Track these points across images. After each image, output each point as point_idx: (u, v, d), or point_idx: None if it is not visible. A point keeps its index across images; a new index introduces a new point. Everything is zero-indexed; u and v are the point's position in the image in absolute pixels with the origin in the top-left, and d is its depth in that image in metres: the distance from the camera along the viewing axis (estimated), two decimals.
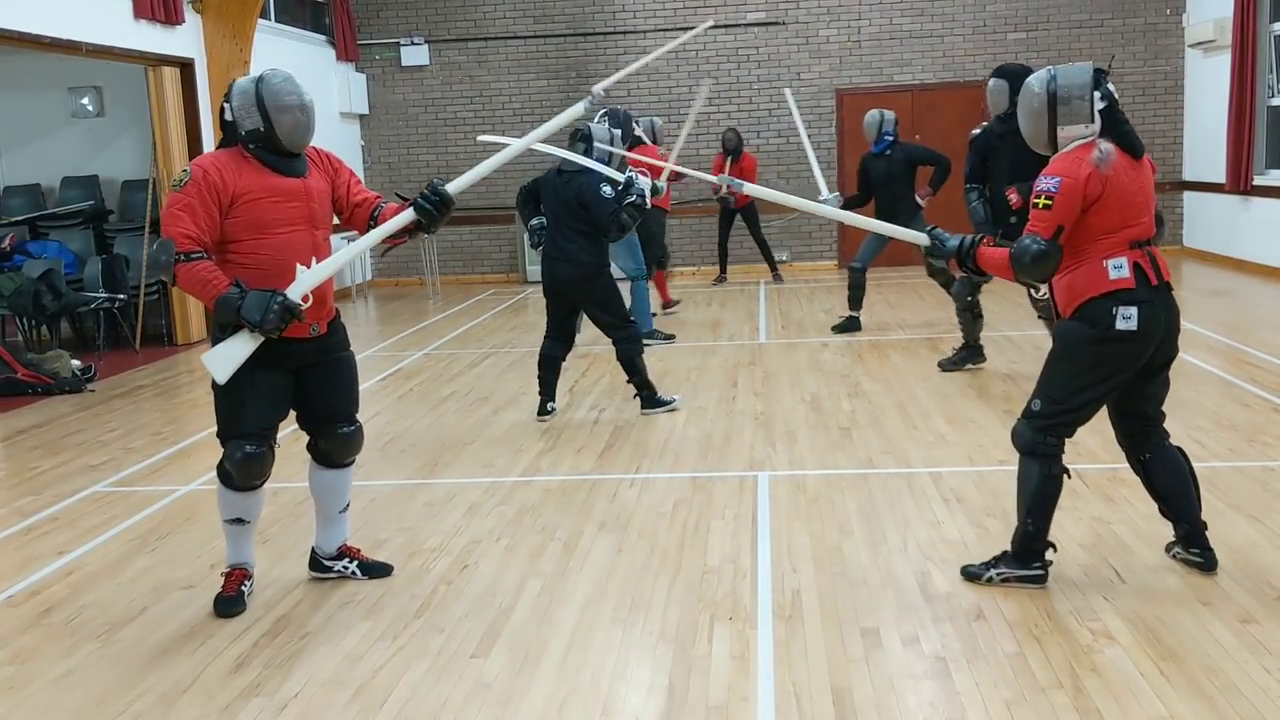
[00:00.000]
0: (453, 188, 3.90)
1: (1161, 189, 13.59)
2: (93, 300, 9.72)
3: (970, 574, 3.97)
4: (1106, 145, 3.67)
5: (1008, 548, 3.94)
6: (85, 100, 11.48)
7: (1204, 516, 4.44)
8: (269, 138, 3.81)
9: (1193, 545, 3.96)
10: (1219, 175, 12.22)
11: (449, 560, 4.43)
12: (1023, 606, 3.74)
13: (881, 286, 12.06)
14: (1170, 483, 3.93)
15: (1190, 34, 12.94)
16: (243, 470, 3.91)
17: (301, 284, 3.77)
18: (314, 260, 3.84)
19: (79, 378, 8.27)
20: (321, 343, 4.00)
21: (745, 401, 6.98)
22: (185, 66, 10.38)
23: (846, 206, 8.92)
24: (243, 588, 4.06)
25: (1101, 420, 6.00)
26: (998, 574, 3.90)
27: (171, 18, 9.94)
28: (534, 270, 13.90)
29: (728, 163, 12.07)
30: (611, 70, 13.87)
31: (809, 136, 8.49)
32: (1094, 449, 5.55)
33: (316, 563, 4.31)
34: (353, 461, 4.23)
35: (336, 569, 4.28)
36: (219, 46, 10.65)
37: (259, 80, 3.83)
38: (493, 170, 4.08)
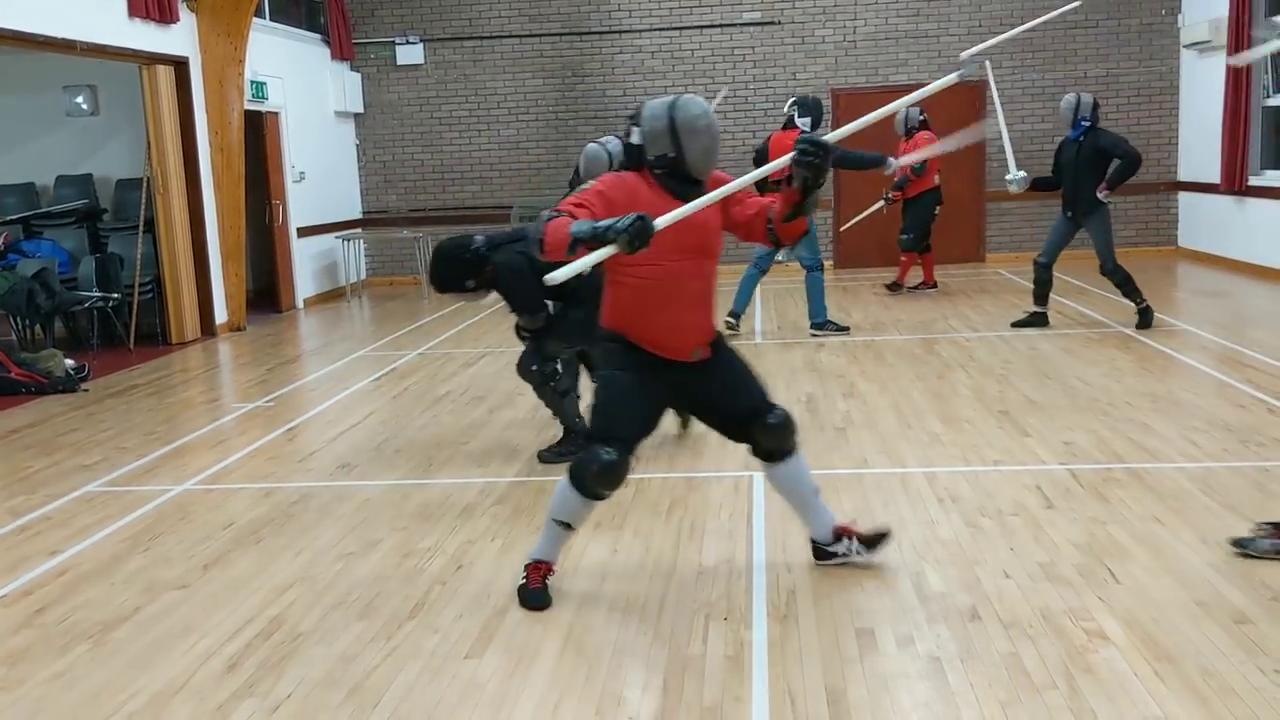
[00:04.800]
0: (831, 137, 3.72)
1: (1156, 189, 13.62)
2: (86, 299, 9.70)
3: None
4: None
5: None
6: (80, 99, 11.46)
7: (1198, 519, 4.46)
8: (677, 163, 3.74)
9: None
10: (1214, 176, 12.23)
11: (444, 560, 4.42)
12: (1017, 607, 3.74)
13: (877, 287, 12.06)
14: None
15: (1185, 34, 12.95)
16: (600, 476, 3.76)
17: (666, 217, 3.52)
18: (700, 290, 3.79)
19: (72, 377, 8.25)
20: (705, 362, 3.91)
21: None
22: (180, 65, 10.36)
23: (1038, 186, 8.90)
24: (546, 580, 3.99)
25: (1094, 420, 6.02)
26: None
27: (166, 16, 9.92)
28: None
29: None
30: (607, 71, 13.88)
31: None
32: (1089, 449, 5.56)
33: (819, 552, 4.16)
34: (794, 446, 4.02)
35: (840, 552, 4.13)
36: (213, 45, 10.63)
37: (673, 105, 3.75)
38: (881, 117, 3.95)
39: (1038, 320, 9.02)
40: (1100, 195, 8.59)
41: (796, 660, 3.44)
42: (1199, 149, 12.89)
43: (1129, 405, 6.38)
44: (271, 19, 12.32)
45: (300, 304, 12.67)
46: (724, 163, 12.68)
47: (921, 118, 10.91)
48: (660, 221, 3.48)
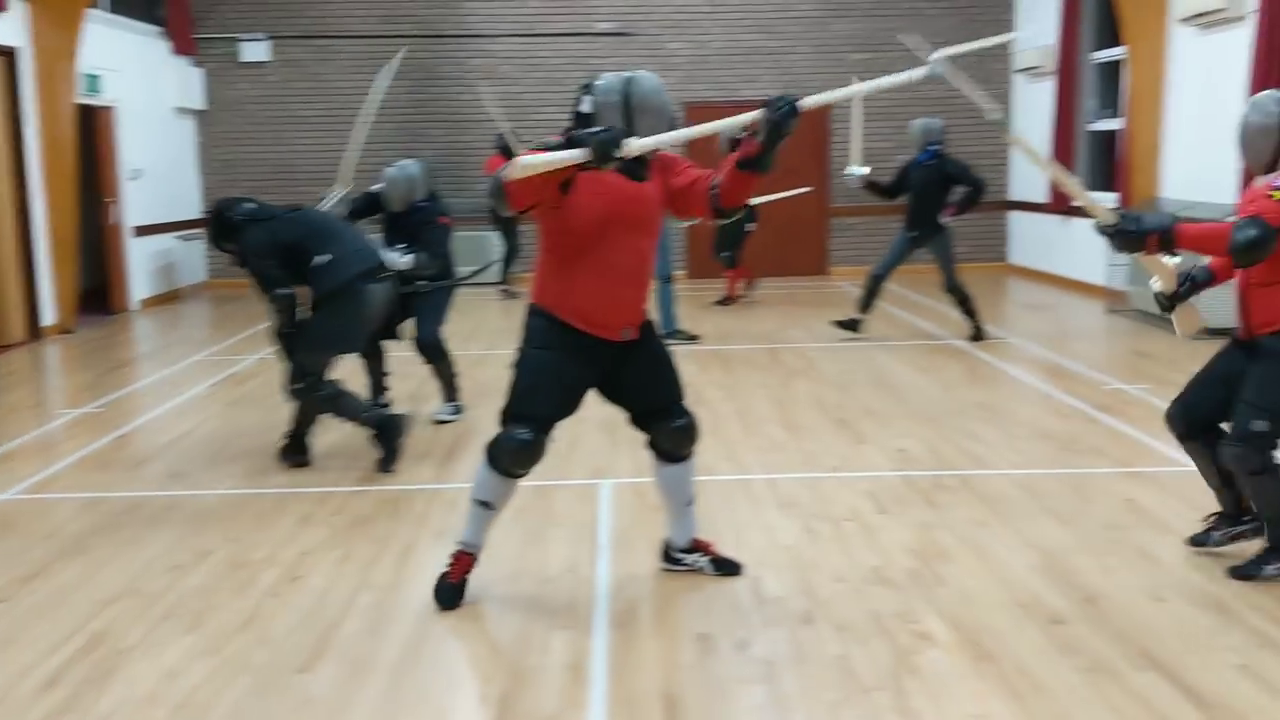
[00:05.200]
0: (806, 102, 3.66)
1: (988, 208, 14.21)
2: None
3: (1244, 573, 4.05)
4: None
5: (1267, 543, 4.06)
6: None
7: (1020, 523, 4.66)
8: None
9: None
10: (1042, 196, 12.84)
11: (278, 572, 4.31)
12: (849, 610, 3.85)
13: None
14: None
15: (1017, 60, 13.57)
16: (514, 456, 3.79)
17: (641, 143, 3.56)
18: (640, 266, 3.79)
19: None
20: (632, 344, 3.90)
21: (590, 409, 6.95)
22: (8, 55, 9.84)
23: (871, 189, 9.08)
24: (466, 578, 3.93)
25: (926, 428, 6.25)
26: (1274, 569, 4.02)
27: None
28: None
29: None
30: (459, 73, 13.76)
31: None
32: (920, 456, 5.77)
33: (669, 556, 4.23)
34: (692, 453, 4.09)
35: (688, 562, 4.20)
36: (46, 35, 10.12)
37: (629, 80, 3.75)
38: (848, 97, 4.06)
39: (854, 325, 9.36)
40: (944, 220, 8.98)
41: (636, 667, 3.47)
42: (1028, 170, 13.51)
43: (959, 414, 6.64)
44: (110, 10, 11.81)
45: (135, 305, 12.17)
46: None
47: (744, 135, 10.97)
48: (634, 142, 3.51)
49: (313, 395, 5.56)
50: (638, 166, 3.77)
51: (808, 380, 7.74)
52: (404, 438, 5.72)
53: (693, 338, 9.37)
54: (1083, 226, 12.00)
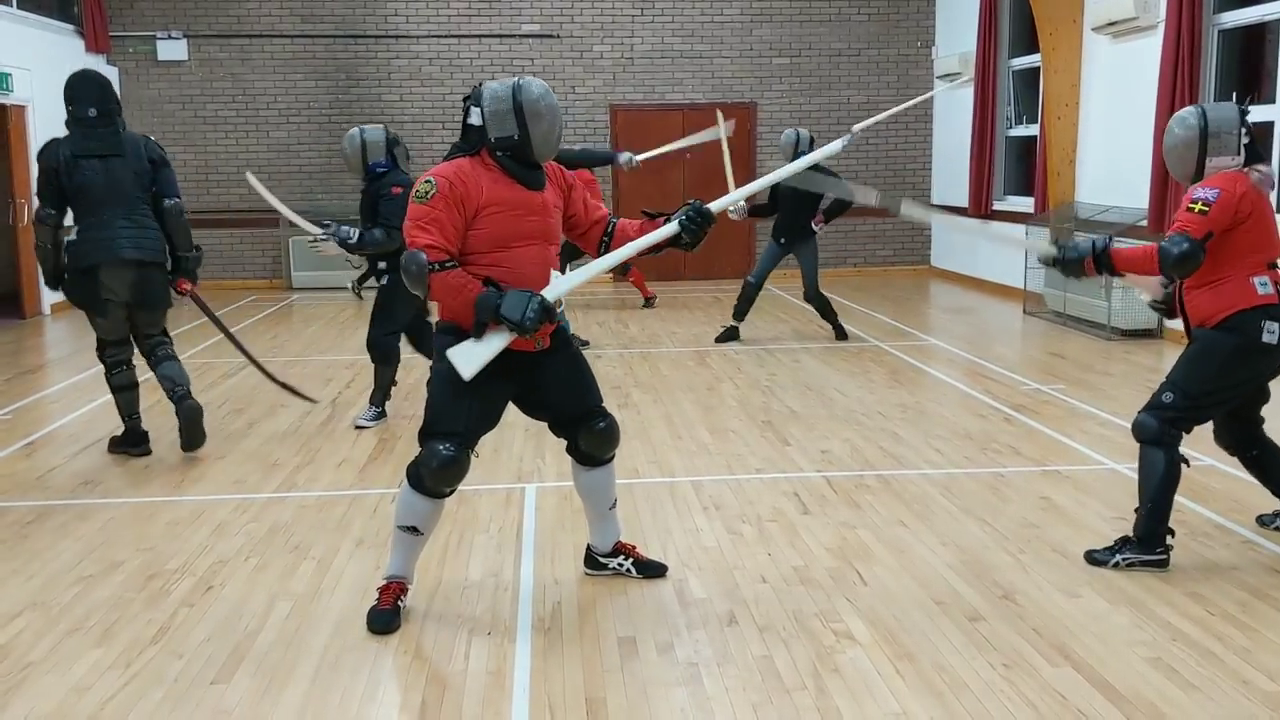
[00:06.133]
0: (714, 206, 3.87)
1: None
2: None
3: (1096, 559, 4.16)
4: (1266, 168, 4.02)
5: (1129, 534, 4.18)
6: None
7: (939, 522, 4.72)
8: (520, 145, 3.69)
9: None
10: (963, 199, 13.05)
11: (192, 582, 4.20)
12: (772, 610, 3.87)
13: (657, 301, 12.27)
14: None
15: (938, 66, 13.79)
16: (438, 474, 3.71)
17: (557, 288, 3.70)
18: (554, 275, 3.75)
19: None
20: (546, 352, 3.88)
21: (515, 413, 6.92)
22: None
23: (753, 213, 9.38)
24: (400, 602, 3.83)
25: (849, 429, 6.31)
26: (1123, 559, 4.11)
27: None
28: (301, 276, 13.43)
29: None
30: (382, 74, 13.61)
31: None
32: (843, 456, 5.82)
33: (592, 560, 4.22)
34: (613, 457, 4.09)
35: (612, 566, 4.19)
36: None
37: (516, 87, 3.72)
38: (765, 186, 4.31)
39: (733, 334, 9.53)
40: (815, 227, 9.22)
41: (559, 671, 3.44)
42: (949, 174, 13.73)
43: (881, 415, 6.71)
44: (19, 6, 11.48)
45: (46, 310, 11.84)
46: None
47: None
48: (553, 290, 3.69)
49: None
50: (536, 176, 3.79)
51: (734, 383, 7.77)
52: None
53: (584, 343, 9.30)
54: (1002, 230, 12.23)
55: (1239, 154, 4.06)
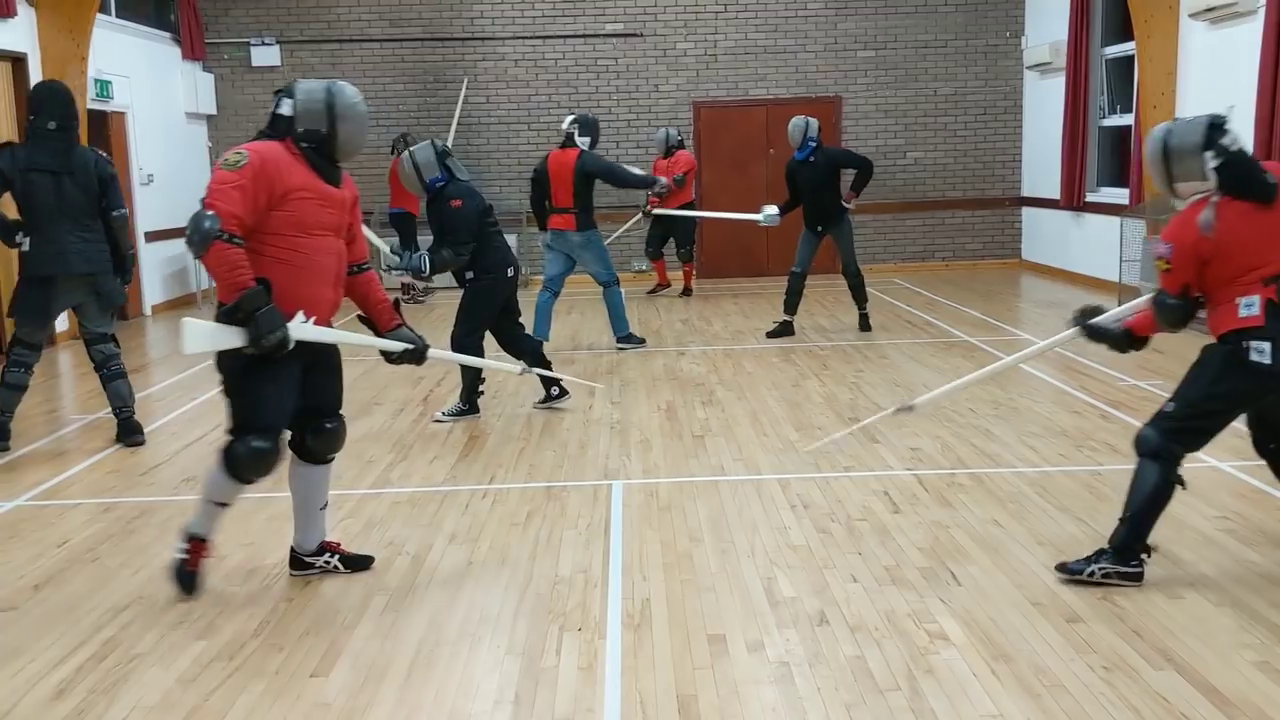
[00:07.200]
0: (434, 354, 4.26)
1: (1001, 204, 14.18)
2: None
3: (1071, 570, 4.04)
4: (1207, 212, 3.81)
5: (1105, 545, 4.03)
6: None
7: (1034, 521, 4.62)
8: (326, 142, 3.89)
9: None
10: (1054, 192, 12.79)
11: (291, 576, 4.30)
12: (863, 610, 3.83)
13: (738, 296, 12.25)
14: None
15: (1028, 56, 13.51)
16: (253, 465, 3.89)
17: (301, 331, 3.83)
18: (309, 322, 3.88)
19: None
20: (322, 347, 4.04)
21: (601, 410, 6.99)
22: (18, 61, 9.89)
23: (783, 211, 9.44)
24: (203, 561, 4.07)
25: (939, 427, 6.22)
26: (1099, 569, 3.99)
27: (3, 10, 9.45)
28: (388, 276, 13.65)
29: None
30: (469, 76, 13.76)
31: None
32: (934, 454, 5.74)
33: (297, 561, 4.28)
34: (333, 458, 4.25)
35: (318, 564, 4.26)
36: (54, 41, 10.16)
37: (330, 87, 3.93)
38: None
39: (786, 329, 9.44)
40: (846, 204, 9.22)
41: (649, 668, 3.45)
42: (1040, 166, 13.46)
43: (972, 412, 6.61)
44: (118, 16, 11.85)
45: (148, 311, 12.21)
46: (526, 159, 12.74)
47: (679, 137, 12.08)
48: (301, 331, 3.82)
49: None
50: (335, 173, 3.94)
51: (820, 380, 7.71)
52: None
53: (641, 341, 9.25)
54: (1096, 222, 11.97)
55: (1207, 178, 3.83)
